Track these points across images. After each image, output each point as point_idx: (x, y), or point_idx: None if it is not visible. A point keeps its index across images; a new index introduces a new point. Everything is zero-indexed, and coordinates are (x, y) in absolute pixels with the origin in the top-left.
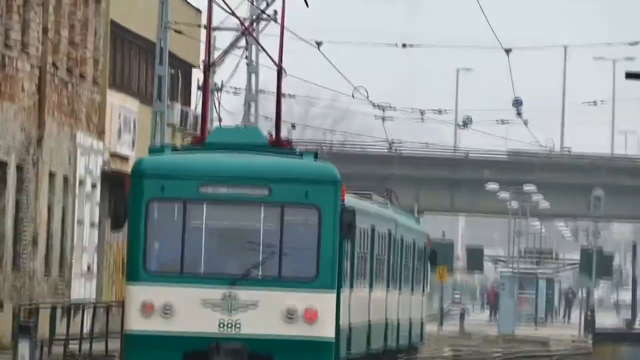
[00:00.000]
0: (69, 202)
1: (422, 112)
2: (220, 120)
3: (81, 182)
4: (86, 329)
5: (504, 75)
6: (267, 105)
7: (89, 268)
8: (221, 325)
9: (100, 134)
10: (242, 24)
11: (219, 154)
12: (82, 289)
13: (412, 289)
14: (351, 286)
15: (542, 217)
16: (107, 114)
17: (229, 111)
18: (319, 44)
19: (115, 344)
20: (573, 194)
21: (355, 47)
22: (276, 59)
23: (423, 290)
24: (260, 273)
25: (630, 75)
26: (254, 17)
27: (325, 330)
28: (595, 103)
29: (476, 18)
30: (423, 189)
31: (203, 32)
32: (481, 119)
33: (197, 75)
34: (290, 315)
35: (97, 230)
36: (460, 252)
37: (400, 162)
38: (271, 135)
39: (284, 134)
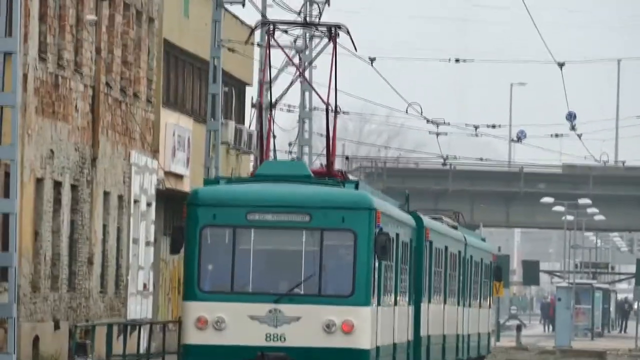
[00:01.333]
0: (123, 221)
1: (476, 127)
2: (274, 137)
3: (136, 201)
4: (143, 347)
5: (558, 89)
6: (321, 122)
7: (145, 286)
8: (267, 337)
9: (155, 152)
10: (296, 67)
11: (266, 184)
12: (138, 307)
13: (480, 303)
14: (429, 301)
15: (597, 230)
16: (161, 133)
17: (282, 128)
18: (372, 60)
19: None
20: (628, 207)
21: (409, 62)
22: (327, 96)
23: (489, 304)
24: (302, 291)
25: None
26: (307, 54)
27: (361, 340)
28: None
29: (529, 32)
30: (478, 203)
31: (257, 50)
32: (535, 133)
33: (250, 93)
34: (329, 328)
35: (152, 248)
36: (516, 265)
37: (455, 177)
38: (322, 166)
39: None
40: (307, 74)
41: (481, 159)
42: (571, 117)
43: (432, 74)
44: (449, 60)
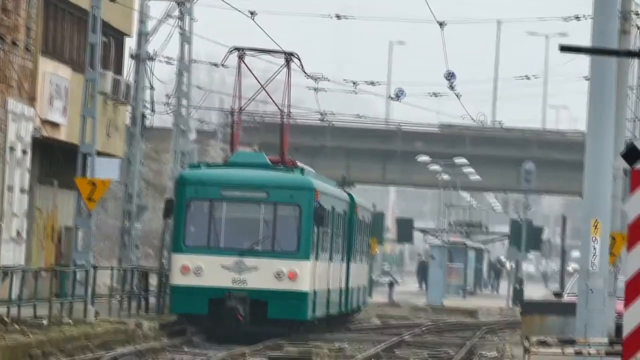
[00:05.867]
0: None
1: (354, 84)
2: (152, 88)
3: (12, 149)
4: (15, 294)
5: (438, 48)
6: (199, 75)
7: (18, 234)
8: (233, 281)
9: (32, 100)
10: (261, 85)
11: (235, 169)
12: (11, 254)
13: (367, 261)
14: (354, 260)
15: (472, 189)
16: (38, 81)
17: (161, 80)
18: (252, 13)
19: (43, 310)
20: (504, 168)
21: (290, 17)
22: (282, 103)
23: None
24: (260, 247)
25: (564, 49)
26: None
27: (302, 285)
28: (527, 77)
29: None
30: (354, 160)
31: (137, 0)
32: (414, 92)
33: (129, 44)
34: (279, 276)
35: (27, 196)
36: (390, 223)
37: (332, 133)
38: (277, 156)
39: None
40: (187, 25)
41: (359, 116)
42: (450, 76)
43: (313, 29)
44: (330, 16)
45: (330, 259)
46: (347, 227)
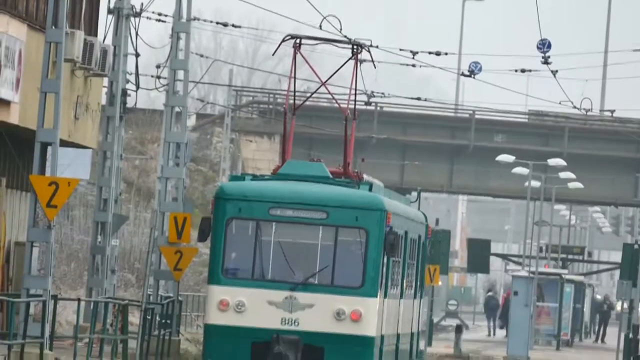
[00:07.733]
0: None
1: (413, 54)
2: (137, 55)
3: None
4: None
5: (527, 7)
6: (201, 39)
7: None
8: (283, 321)
9: None
10: (319, 78)
11: (288, 182)
12: None
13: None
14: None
15: (572, 202)
16: None
17: (150, 45)
18: None
19: None
20: (615, 172)
21: None
22: (347, 104)
23: None
24: (316, 281)
25: None
26: None
27: (368, 328)
28: None
29: None
30: (411, 158)
31: None
32: (493, 66)
33: None
34: (339, 316)
35: None
36: (459, 245)
37: (382, 121)
38: (340, 167)
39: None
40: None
41: (419, 99)
42: (544, 46)
43: None
44: None
45: (402, 295)
46: (422, 256)
